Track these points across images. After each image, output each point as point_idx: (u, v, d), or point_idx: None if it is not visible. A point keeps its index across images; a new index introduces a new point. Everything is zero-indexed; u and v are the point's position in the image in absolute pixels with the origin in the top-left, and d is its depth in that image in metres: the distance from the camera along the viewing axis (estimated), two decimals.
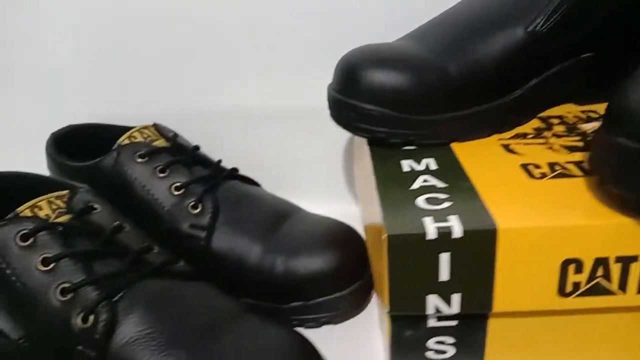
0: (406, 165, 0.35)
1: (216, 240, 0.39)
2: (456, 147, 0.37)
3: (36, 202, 0.32)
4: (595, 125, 0.39)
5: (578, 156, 0.35)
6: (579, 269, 0.29)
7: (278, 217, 0.41)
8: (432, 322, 0.32)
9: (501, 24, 0.37)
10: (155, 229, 0.38)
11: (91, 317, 0.29)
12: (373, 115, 0.36)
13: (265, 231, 0.40)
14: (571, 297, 0.29)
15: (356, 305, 0.40)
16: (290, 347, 0.29)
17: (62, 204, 0.33)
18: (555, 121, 0.40)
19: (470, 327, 0.32)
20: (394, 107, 0.36)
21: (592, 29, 0.38)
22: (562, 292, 0.29)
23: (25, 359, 0.31)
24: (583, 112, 0.42)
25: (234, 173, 0.44)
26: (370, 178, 0.35)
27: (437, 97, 0.36)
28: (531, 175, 0.33)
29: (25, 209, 0.32)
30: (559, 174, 0.33)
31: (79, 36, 0.53)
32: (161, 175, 0.41)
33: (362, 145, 0.41)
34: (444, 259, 0.29)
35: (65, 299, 0.29)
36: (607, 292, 0.29)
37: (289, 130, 0.54)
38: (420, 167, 0.34)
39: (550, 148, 0.36)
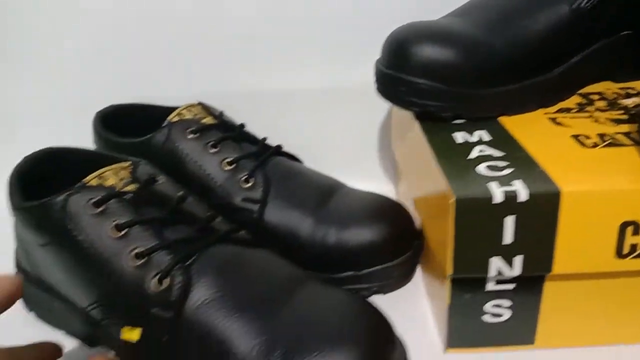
0: (459, 137, 0.36)
1: (268, 213, 0.40)
2: (505, 120, 0.38)
3: (102, 173, 0.33)
4: (635, 100, 0.40)
5: (625, 127, 0.36)
6: (636, 231, 0.30)
7: (325, 191, 0.42)
8: (490, 286, 0.33)
9: (547, 1, 0.39)
10: (207, 204, 0.39)
11: (166, 280, 0.29)
12: (424, 89, 0.37)
13: (315, 204, 0.41)
14: (628, 258, 0.31)
15: (405, 275, 0.41)
16: (359, 310, 0.30)
17: (127, 175, 0.34)
18: (596, 97, 0.41)
19: (527, 291, 0.33)
20: (445, 81, 0.37)
21: (633, 6, 0.40)
22: (619, 253, 0.31)
23: (94, 325, 0.32)
24: (621, 89, 0.43)
25: (279, 150, 0.45)
26: (422, 151, 0.36)
27: (487, 71, 0.37)
28: (583, 145, 0.34)
29: (92, 179, 0.32)
30: (609, 143, 0.34)
31: (121, 18, 0.54)
32: (212, 150, 0.41)
33: (407, 120, 0.42)
34: (509, 222, 0.30)
35: (139, 263, 0.30)
36: None
37: (321, 110, 0.55)
38: (474, 138, 0.36)
39: (596, 121, 0.37)
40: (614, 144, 0.34)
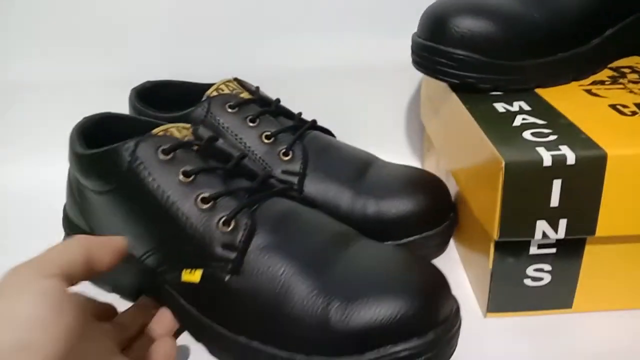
0: (500, 107, 0.37)
1: (308, 185, 0.41)
2: (542, 92, 0.39)
3: (166, 128, 0.34)
4: None
5: None
6: None
7: (362, 164, 0.43)
8: (533, 250, 0.34)
9: None
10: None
11: (232, 223, 0.31)
12: (463, 61, 0.38)
13: (353, 176, 0.41)
14: None
15: (442, 244, 0.42)
16: (414, 262, 0.31)
17: (189, 133, 0.35)
18: (627, 70, 0.42)
19: (568, 255, 0.34)
20: (484, 52, 0.38)
21: None
22: None
23: (147, 274, 0.33)
24: None
25: (314, 124, 0.45)
26: (462, 121, 0.37)
27: (525, 43, 0.38)
28: (622, 113, 0.35)
29: (159, 131, 0.34)
30: None
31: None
32: (251, 124, 0.42)
33: (442, 93, 0.43)
34: (556, 185, 0.31)
35: (205, 207, 0.31)
36: None
37: (348, 86, 0.56)
38: (514, 108, 0.36)
39: (631, 92, 0.38)
40: None
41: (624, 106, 0.36)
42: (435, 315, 0.28)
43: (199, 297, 0.32)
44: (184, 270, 0.31)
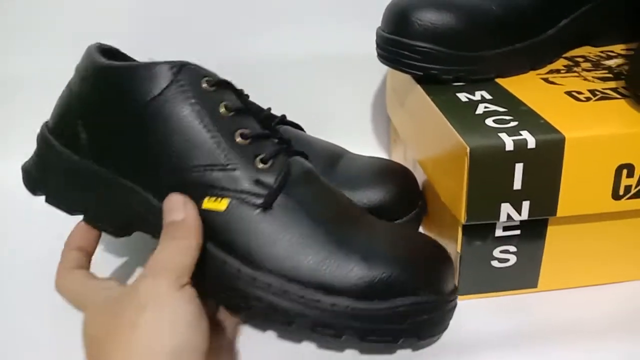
0: (462, 97, 0.38)
1: None
2: (502, 81, 0.40)
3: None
4: (617, 61, 0.43)
5: (612, 84, 0.39)
6: (630, 173, 0.33)
7: (332, 157, 0.44)
8: (498, 232, 0.35)
9: None
10: None
11: (270, 162, 0.33)
12: (426, 53, 0.39)
13: (323, 170, 0.42)
14: (623, 199, 0.33)
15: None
16: (418, 234, 0.34)
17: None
18: (580, 59, 0.44)
19: (531, 236, 0.36)
20: (446, 44, 0.39)
21: None
22: (615, 194, 0.33)
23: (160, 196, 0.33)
24: (602, 52, 0.46)
25: (283, 119, 0.46)
26: (427, 111, 0.38)
27: (485, 34, 0.39)
28: (577, 99, 0.37)
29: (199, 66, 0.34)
30: (600, 97, 0.37)
31: None
32: None
33: (406, 85, 0.44)
34: (518, 168, 0.32)
35: (244, 142, 0.33)
36: None
37: (318, 77, 0.57)
38: (476, 97, 0.38)
39: (585, 79, 0.40)
40: (605, 97, 0.37)
41: (579, 92, 0.38)
42: (444, 283, 0.32)
43: (216, 228, 0.31)
44: (206, 198, 0.32)
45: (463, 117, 0.35)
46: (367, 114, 0.60)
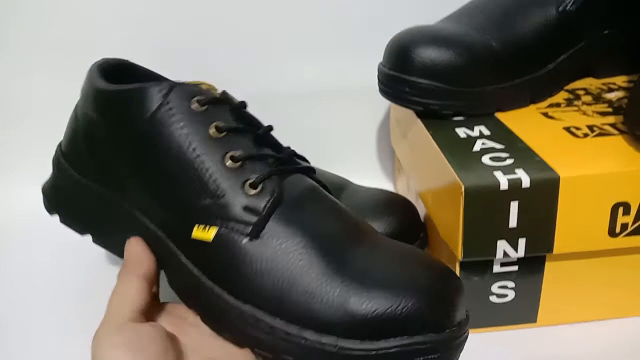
0: (461, 132, 0.39)
1: None
2: (501, 116, 0.41)
3: (199, 83, 0.34)
4: (618, 94, 0.44)
5: (611, 119, 0.39)
6: (626, 211, 0.33)
7: (335, 189, 0.44)
8: (496, 268, 0.36)
9: (536, 4, 0.42)
10: None
11: (260, 186, 0.30)
12: (427, 89, 0.40)
13: None
14: (620, 237, 0.34)
15: None
16: (427, 258, 0.30)
17: (218, 93, 0.34)
18: (582, 92, 0.45)
19: (529, 272, 0.36)
20: (446, 80, 0.40)
21: (613, 8, 0.43)
22: (612, 232, 0.34)
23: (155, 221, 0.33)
24: (603, 84, 0.46)
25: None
26: (427, 146, 0.39)
27: (484, 70, 0.40)
28: (575, 136, 0.37)
29: (191, 83, 0.33)
30: (598, 133, 0.37)
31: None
32: None
33: (408, 119, 0.45)
34: (513, 207, 0.33)
35: (234, 166, 0.31)
36: None
37: (321, 111, 0.58)
38: (475, 133, 0.38)
39: (584, 114, 0.40)
40: (602, 133, 0.37)
41: (577, 128, 0.38)
42: (452, 317, 0.28)
43: (205, 257, 0.30)
44: (195, 226, 0.30)
45: (460, 154, 0.35)
46: (372, 144, 0.60)
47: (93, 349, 0.28)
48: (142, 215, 0.33)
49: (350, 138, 0.59)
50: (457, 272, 0.36)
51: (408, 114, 0.44)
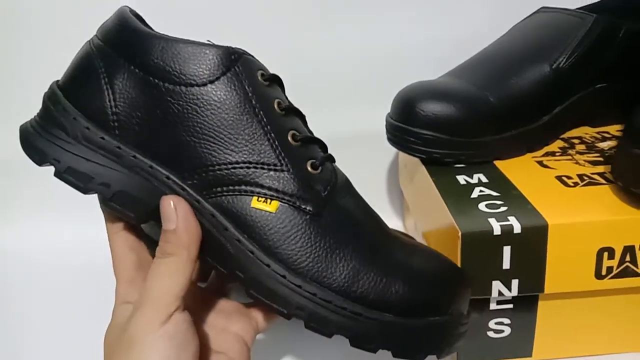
0: (461, 179, 0.42)
1: None
2: (499, 164, 0.45)
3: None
4: (610, 143, 0.47)
5: (600, 168, 0.42)
6: (611, 256, 0.36)
7: None
8: (492, 306, 0.39)
9: (531, 61, 0.46)
10: None
11: (320, 168, 0.33)
12: (429, 139, 0.44)
13: None
14: (605, 279, 0.37)
15: None
16: (445, 260, 0.35)
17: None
18: (576, 141, 0.48)
19: (524, 309, 0.39)
20: (447, 132, 0.43)
21: (605, 64, 0.47)
22: (598, 275, 0.37)
23: (198, 188, 0.32)
24: (598, 133, 0.50)
25: None
26: (429, 191, 0.43)
27: (482, 122, 0.44)
28: (565, 185, 0.40)
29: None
30: (587, 182, 0.40)
31: None
32: None
33: (414, 165, 0.48)
34: (506, 251, 0.36)
35: (297, 144, 0.33)
36: (635, 274, 0.36)
37: (338, 153, 0.62)
38: (474, 180, 0.42)
39: (577, 163, 0.44)
40: (591, 182, 0.40)
41: (568, 177, 0.41)
42: (466, 306, 0.34)
43: (261, 228, 0.31)
44: (255, 197, 0.31)
45: (459, 201, 0.39)
46: (383, 185, 0.64)
47: (132, 333, 0.27)
48: (180, 181, 0.32)
49: (364, 179, 0.63)
50: None
51: (414, 160, 0.48)
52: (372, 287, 0.31)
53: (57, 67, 0.36)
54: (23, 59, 0.61)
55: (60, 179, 0.31)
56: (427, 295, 0.32)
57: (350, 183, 0.35)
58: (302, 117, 0.35)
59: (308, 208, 0.31)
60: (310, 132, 0.36)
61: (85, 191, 0.32)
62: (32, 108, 0.35)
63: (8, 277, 0.56)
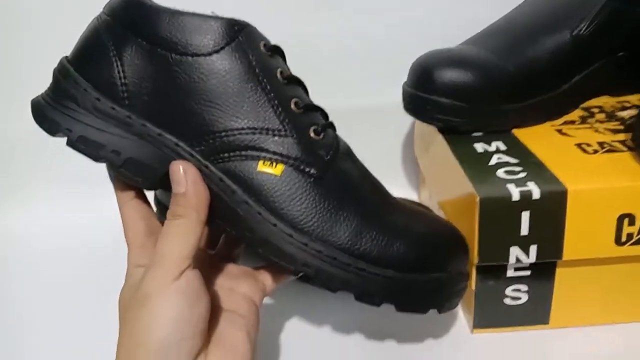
0: (479, 147, 0.42)
1: None
2: (517, 132, 0.44)
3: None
4: (630, 112, 0.46)
5: (621, 136, 0.42)
6: (631, 222, 0.36)
7: None
8: (510, 273, 0.39)
9: (551, 28, 0.45)
10: None
11: (322, 134, 0.34)
12: (447, 107, 0.43)
13: None
14: (625, 245, 0.36)
15: None
16: (446, 224, 0.37)
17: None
18: (596, 110, 0.48)
19: (541, 276, 0.39)
20: (465, 99, 0.43)
21: (626, 32, 0.46)
22: (618, 241, 0.36)
23: (205, 154, 0.33)
24: (618, 102, 0.49)
25: None
26: (447, 160, 0.42)
27: (500, 90, 0.43)
28: (585, 152, 0.40)
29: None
30: (607, 150, 0.40)
31: None
32: None
33: (430, 134, 0.48)
34: (525, 216, 0.36)
35: (299, 111, 0.34)
36: None
37: (351, 126, 0.61)
38: (492, 148, 0.42)
39: (597, 131, 0.43)
40: (612, 150, 0.40)
41: (588, 145, 0.41)
42: (465, 265, 0.36)
43: (267, 190, 0.32)
44: (261, 161, 0.32)
45: (477, 168, 0.39)
46: (398, 156, 0.64)
47: (146, 290, 0.28)
48: (188, 147, 0.33)
49: (379, 150, 0.62)
50: (473, 275, 0.39)
51: (430, 129, 0.48)
52: (374, 245, 0.32)
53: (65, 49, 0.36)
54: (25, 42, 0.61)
55: (73, 147, 0.32)
56: (427, 253, 0.34)
57: (351, 150, 0.37)
58: (303, 87, 0.37)
59: (312, 171, 0.33)
60: (311, 101, 0.37)
61: (96, 159, 0.32)
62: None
63: (16, 259, 0.57)
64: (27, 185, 0.64)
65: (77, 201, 0.61)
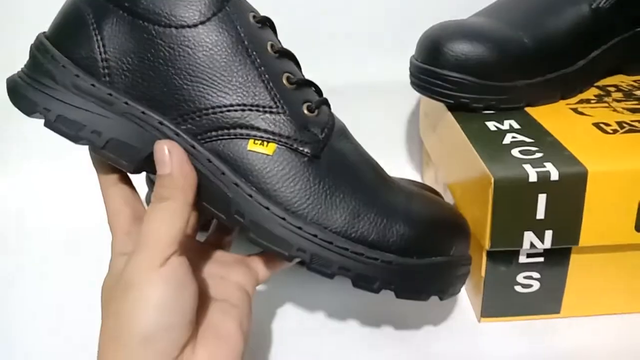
0: (491, 125, 0.40)
1: None
2: (531, 110, 0.42)
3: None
4: None
5: None
6: None
7: None
8: (522, 259, 0.37)
9: (569, 1, 0.42)
10: None
11: (316, 111, 0.32)
12: (458, 83, 0.41)
13: None
14: None
15: None
16: (447, 206, 0.36)
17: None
18: (612, 89, 0.45)
19: (555, 263, 0.37)
20: (477, 74, 0.40)
21: None
22: (638, 227, 0.34)
23: (192, 133, 0.31)
24: (634, 81, 0.47)
25: None
26: (457, 139, 0.40)
27: (515, 65, 0.41)
28: (604, 132, 0.37)
29: None
30: (628, 130, 0.38)
31: None
32: None
33: (438, 112, 0.46)
34: (541, 199, 0.33)
35: (292, 86, 0.32)
36: None
37: (352, 104, 0.59)
38: (505, 127, 0.39)
39: (614, 110, 0.41)
40: (632, 130, 0.37)
41: (607, 124, 0.38)
42: (467, 248, 0.35)
43: (258, 171, 0.30)
44: (252, 140, 0.30)
45: (490, 147, 0.36)
46: (401, 136, 0.62)
47: (129, 277, 0.26)
48: (173, 126, 0.31)
49: (382, 130, 0.60)
50: (484, 261, 0.37)
51: (438, 107, 0.45)
52: (372, 228, 0.31)
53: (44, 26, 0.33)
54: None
55: (51, 128, 0.30)
56: (427, 236, 0.32)
57: (346, 129, 0.35)
58: (295, 61, 0.35)
59: (305, 150, 0.31)
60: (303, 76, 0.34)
61: (76, 140, 0.30)
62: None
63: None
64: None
65: (56, 177, 0.59)
